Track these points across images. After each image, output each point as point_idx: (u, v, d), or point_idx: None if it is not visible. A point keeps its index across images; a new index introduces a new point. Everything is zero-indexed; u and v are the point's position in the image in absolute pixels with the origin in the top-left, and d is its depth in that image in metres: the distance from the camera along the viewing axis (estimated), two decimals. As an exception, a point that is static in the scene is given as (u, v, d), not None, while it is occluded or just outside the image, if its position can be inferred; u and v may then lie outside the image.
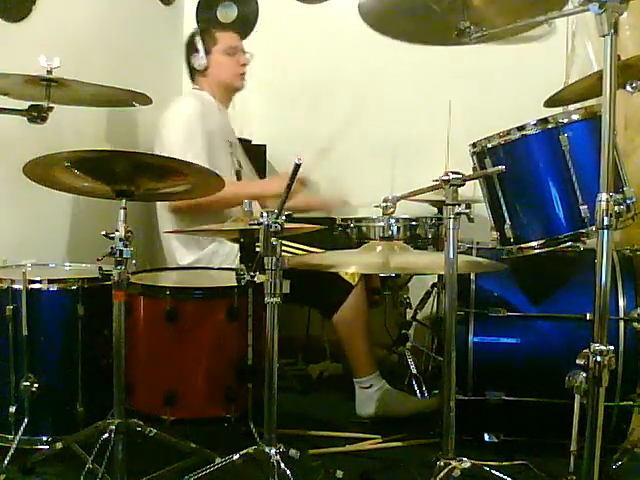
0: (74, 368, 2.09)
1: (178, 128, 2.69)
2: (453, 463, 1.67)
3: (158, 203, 2.77)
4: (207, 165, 2.34)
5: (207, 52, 2.85)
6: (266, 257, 1.70)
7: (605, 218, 1.41)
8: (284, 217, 1.71)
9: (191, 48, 2.89)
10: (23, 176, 1.88)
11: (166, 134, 2.71)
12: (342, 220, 2.85)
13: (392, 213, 1.86)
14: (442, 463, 1.68)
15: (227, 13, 3.64)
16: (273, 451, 1.72)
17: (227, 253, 2.70)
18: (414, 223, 2.70)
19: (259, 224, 1.70)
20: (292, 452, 1.78)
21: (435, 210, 2.96)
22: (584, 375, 1.45)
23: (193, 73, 2.93)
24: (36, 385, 2.03)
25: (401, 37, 2.02)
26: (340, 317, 2.53)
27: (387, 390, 2.54)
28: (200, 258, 2.73)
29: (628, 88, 1.85)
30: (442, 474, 1.66)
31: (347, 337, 2.55)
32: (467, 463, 1.68)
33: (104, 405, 1.95)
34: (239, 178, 2.87)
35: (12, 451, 1.96)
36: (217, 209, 2.66)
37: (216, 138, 2.78)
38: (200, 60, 2.85)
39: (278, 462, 1.70)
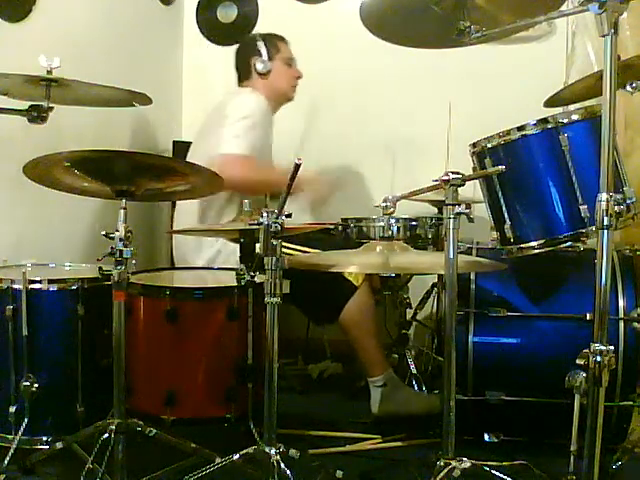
0: (74, 368, 2.09)
1: (239, 121, 2.71)
2: (453, 463, 1.67)
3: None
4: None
5: (270, 58, 2.89)
6: (266, 257, 1.70)
7: (605, 218, 1.41)
8: (284, 217, 1.71)
9: (252, 50, 2.90)
10: (23, 176, 1.88)
11: (230, 123, 2.72)
12: (342, 220, 2.86)
13: (392, 213, 1.86)
14: (442, 463, 1.68)
15: (227, 13, 3.64)
16: (273, 451, 1.72)
17: (230, 252, 2.71)
18: (414, 223, 2.70)
19: (259, 224, 1.71)
20: (292, 452, 1.78)
21: (435, 210, 2.96)
22: (584, 375, 1.45)
23: (246, 74, 2.93)
24: (36, 385, 2.02)
25: (403, 42, 2.03)
26: (347, 318, 2.52)
27: (406, 390, 2.56)
28: (211, 257, 2.74)
29: (628, 88, 1.85)
30: (442, 474, 1.66)
31: (357, 337, 2.54)
32: (467, 463, 1.68)
33: (104, 405, 1.95)
34: None
35: (12, 451, 1.96)
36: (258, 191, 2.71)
37: (267, 136, 2.85)
38: (265, 64, 2.87)
39: (278, 462, 1.70)
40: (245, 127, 2.70)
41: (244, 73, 2.95)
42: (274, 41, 2.92)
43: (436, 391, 2.64)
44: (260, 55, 2.88)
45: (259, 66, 2.88)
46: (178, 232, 2.76)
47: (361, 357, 2.57)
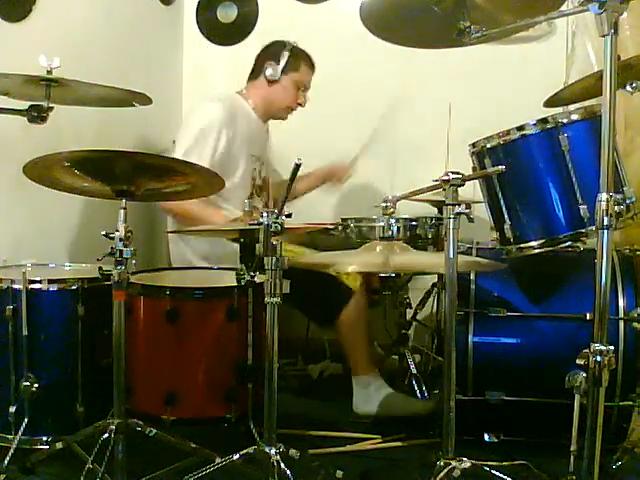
0: (74, 368, 2.09)
1: (188, 136, 2.70)
2: (453, 463, 1.67)
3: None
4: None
5: (284, 71, 2.84)
6: (266, 257, 1.70)
7: (605, 218, 1.41)
8: (284, 217, 1.71)
9: (275, 54, 2.85)
10: (23, 176, 1.87)
11: (179, 137, 2.74)
12: (342, 220, 2.86)
13: (392, 213, 1.86)
14: (442, 463, 1.68)
15: (227, 13, 3.64)
16: (273, 451, 1.72)
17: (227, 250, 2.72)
18: (414, 223, 2.69)
19: (259, 224, 1.71)
20: (292, 452, 1.78)
21: (435, 210, 2.96)
22: (584, 375, 1.45)
23: (257, 72, 2.90)
24: (36, 385, 2.02)
25: (403, 42, 2.03)
26: (342, 319, 2.54)
27: (386, 391, 2.55)
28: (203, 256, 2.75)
29: (628, 88, 1.85)
30: (442, 474, 1.66)
31: (348, 337, 2.57)
32: (467, 463, 1.68)
33: (104, 405, 1.94)
34: (258, 193, 2.88)
35: (12, 451, 1.96)
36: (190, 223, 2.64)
37: (235, 149, 2.77)
38: (275, 72, 2.83)
39: (278, 462, 1.70)
40: (194, 139, 2.67)
41: (255, 70, 2.91)
42: (300, 60, 2.87)
43: (436, 391, 2.64)
44: (278, 63, 2.83)
45: (269, 71, 2.83)
46: (177, 232, 2.76)
47: (348, 356, 2.59)
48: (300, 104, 2.92)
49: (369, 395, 2.53)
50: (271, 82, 2.85)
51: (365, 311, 2.59)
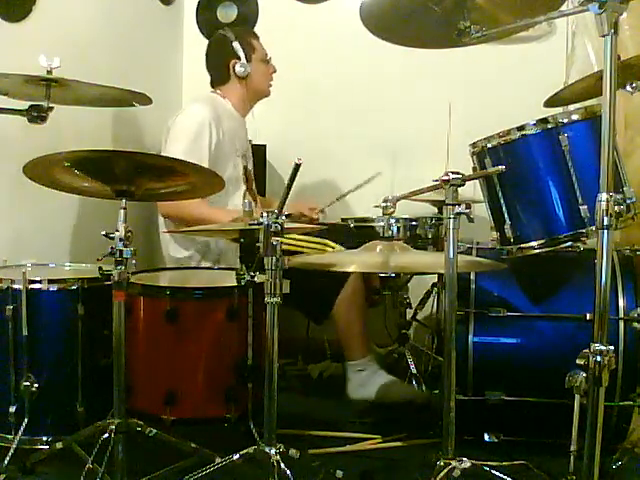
0: (74, 368, 2.09)
1: (182, 139, 2.69)
2: (453, 463, 1.67)
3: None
4: None
5: (248, 59, 2.83)
6: (266, 257, 1.70)
7: (605, 218, 1.41)
8: (284, 217, 1.71)
9: (229, 53, 2.84)
10: (23, 176, 1.88)
11: (170, 142, 2.73)
12: (342, 220, 2.86)
13: (392, 213, 1.86)
14: (442, 463, 1.68)
15: (227, 13, 3.64)
16: (273, 451, 1.72)
17: (222, 249, 2.71)
18: (414, 223, 2.70)
19: (259, 224, 1.71)
20: (292, 452, 1.78)
21: (435, 210, 2.96)
22: (584, 375, 1.45)
23: (223, 78, 2.89)
24: (36, 385, 2.02)
25: (403, 42, 2.03)
26: (338, 304, 2.55)
27: (382, 375, 2.56)
28: (193, 254, 2.76)
29: (628, 88, 1.85)
30: (442, 474, 1.66)
31: (343, 322, 2.57)
32: (467, 463, 1.68)
33: (104, 405, 1.94)
34: (249, 190, 2.88)
35: (12, 451, 1.96)
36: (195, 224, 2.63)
37: (225, 147, 2.78)
38: (245, 67, 2.82)
39: (278, 462, 1.70)
40: (193, 139, 2.66)
41: (221, 77, 2.89)
42: (248, 39, 2.87)
43: (436, 391, 2.64)
44: (239, 58, 2.82)
45: (239, 70, 2.82)
46: (176, 232, 2.75)
47: (343, 340, 2.60)
48: (274, 72, 2.92)
49: (364, 379, 2.53)
50: (246, 77, 2.85)
51: (361, 295, 2.59)
